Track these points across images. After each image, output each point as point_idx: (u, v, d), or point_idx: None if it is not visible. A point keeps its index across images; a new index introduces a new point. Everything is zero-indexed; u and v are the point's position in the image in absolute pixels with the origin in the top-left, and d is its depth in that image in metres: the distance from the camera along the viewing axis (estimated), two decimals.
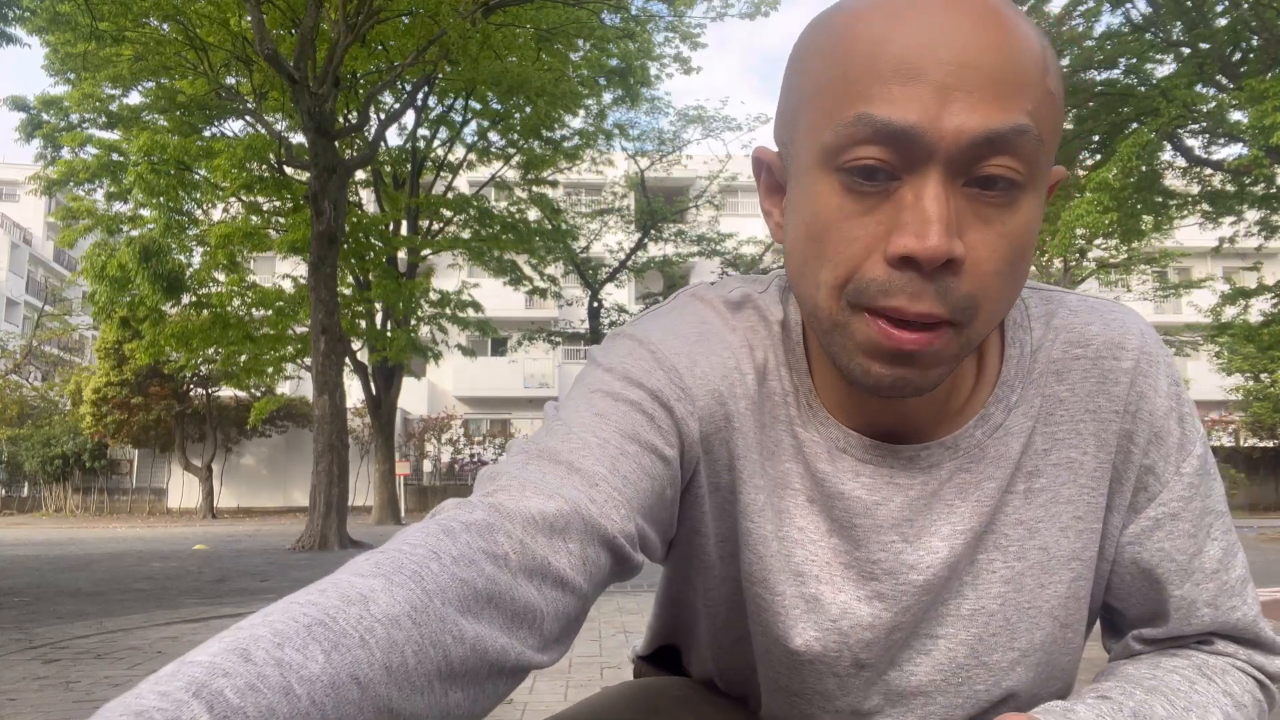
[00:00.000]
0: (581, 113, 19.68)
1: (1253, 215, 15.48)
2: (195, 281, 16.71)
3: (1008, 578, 0.66)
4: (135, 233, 16.01)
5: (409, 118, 18.38)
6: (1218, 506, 0.67)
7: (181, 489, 26.00)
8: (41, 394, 29.24)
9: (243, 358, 18.36)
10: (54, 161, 16.48)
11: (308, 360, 16.19)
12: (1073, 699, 0.62)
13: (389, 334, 18.29)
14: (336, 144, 12.66)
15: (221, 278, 17.36)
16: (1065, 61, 14.14)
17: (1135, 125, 13.36)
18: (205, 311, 17.07)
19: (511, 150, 20.04)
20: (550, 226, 21.09)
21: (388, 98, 17.16)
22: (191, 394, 24.30)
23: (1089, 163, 14.98)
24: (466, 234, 20.08)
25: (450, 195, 19.96)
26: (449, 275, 23.30)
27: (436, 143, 19.66)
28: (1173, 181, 15.60)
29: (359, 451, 22.75)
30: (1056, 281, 20.83)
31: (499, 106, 18.39)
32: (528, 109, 17.80)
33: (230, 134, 16.91)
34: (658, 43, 19.28)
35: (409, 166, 19.06)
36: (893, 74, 0.52)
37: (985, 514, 0.65)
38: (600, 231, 24.41)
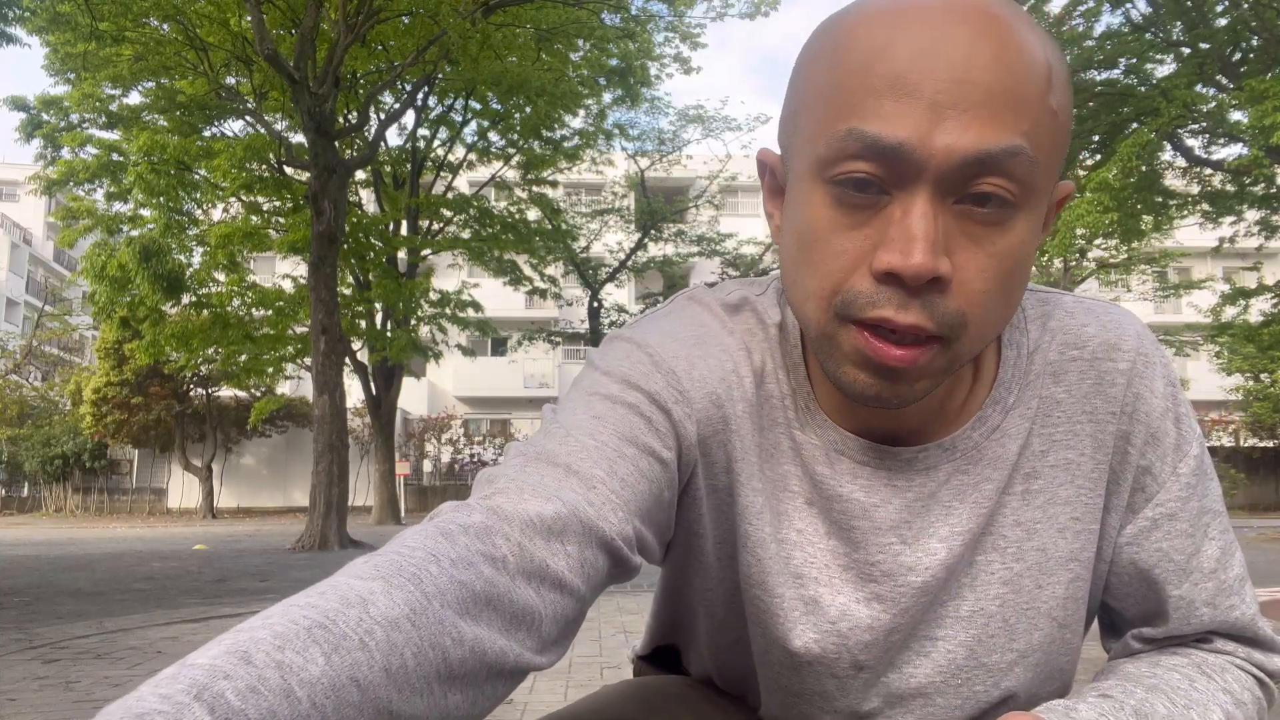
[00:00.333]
0: (581, 113, 19.68)
1: (1253, 215, 15.48)
2: (195, 281, 16.71)
3: (1006, 579, 0.66)
4: (135, 233, 16.02)
5: (409, 118, 18.41)
6: (1215, 506, 0.67)
7: (181, 489, 26.00)
8: (41, 394, 29.25)
9: (243, 358, 18.37)
10: (54, 161, 16.48)
11: (308, 360, 16.20)
12: (1074, 698, 0.62)
13: (389, 334, 18.30)
14: (336, 144, 12.66)
15: (221, 278, 17.37)
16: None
17: (1135, 125, 13.36)
18: (205, 311, 17.07)
19: (511, 150, 20.04)
20: (550, 226, 21.09)
21: (388, 98, 17.17)
22: (191, 394, 24.31)
23: (1089, 163, 14.98)
24: (466, 234, 20.09)
25: (450, 195, 19.96)
26: (449, 275, 23.30)
27: (436, 143, 19.67)
28: (1173, 181, 15.59)
29: (359, 451, 22.75)
30: (1056, 281, 20.84)
31: (499, 106, 18.39)
32: (528, 109, 17.80)
33: (230, 134, 16.92)
34: (658, 43, 19.28)
35: (409, 166, 19.06)
36: (886, 89, 0.52)
37: (983, 515, 0.65)
38: (600, 231, 24.41)
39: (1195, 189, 15.64)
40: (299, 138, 14.73)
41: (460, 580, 0.46)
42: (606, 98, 20.28)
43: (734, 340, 0.68)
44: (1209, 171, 15.10)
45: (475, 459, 25.25)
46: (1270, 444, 24.14)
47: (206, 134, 16.54)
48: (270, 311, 17.59)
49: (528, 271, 21.44)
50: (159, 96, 15.80)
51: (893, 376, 0.56)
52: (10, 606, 6.03)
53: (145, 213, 16.25)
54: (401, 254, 19.19)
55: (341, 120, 14.68)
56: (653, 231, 23.87)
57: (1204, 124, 13.52)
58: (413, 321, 19.28)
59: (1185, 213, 15.69)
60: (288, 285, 18.80)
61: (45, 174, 16.67)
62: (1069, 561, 0.66)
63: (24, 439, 26.19)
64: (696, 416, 0.65)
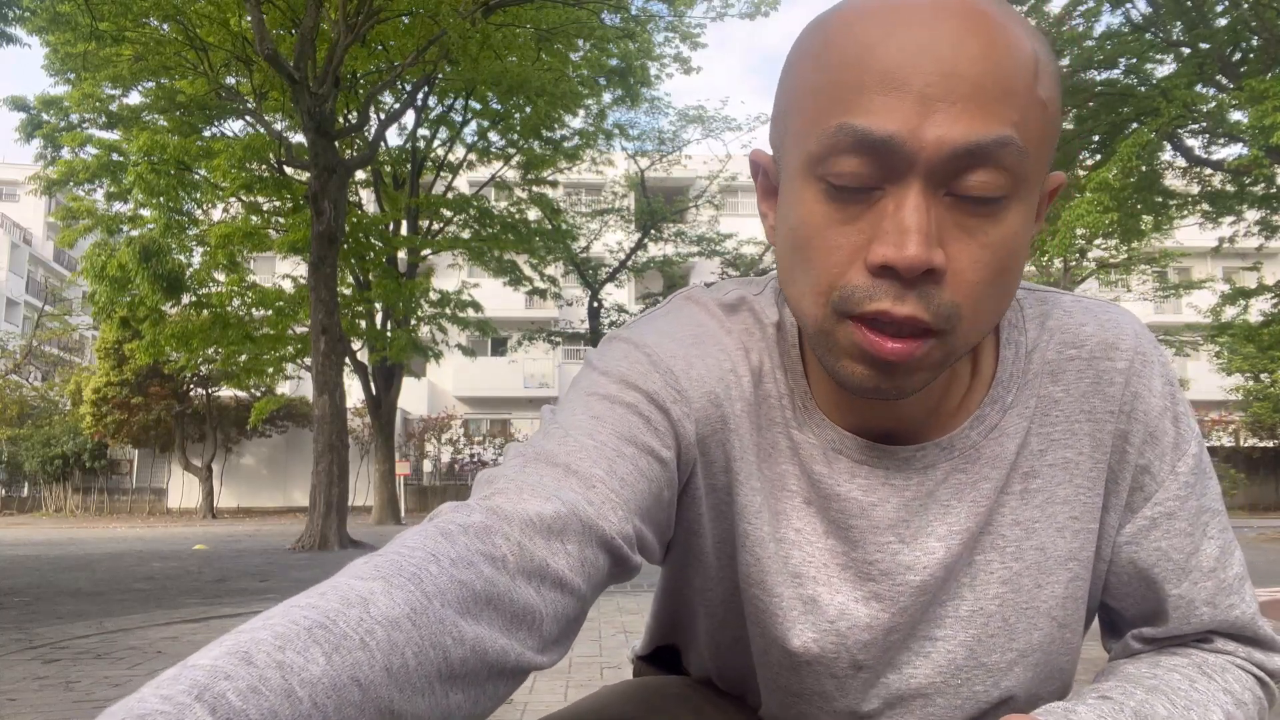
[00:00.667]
0: (581, 113, 19.68)
1: (1253, 215, 15.48)
2: (195, 281, 16.71)
3: (1005, 578, 0.66)
4: (135, 233, 16.02)
5: (409, 118, 18.41)
6: (1214, 505, 0.67)
7: (181, 489, 26.00)
8: (41, 394, 29.25)
9: (243, 358, 18.37)
10: (54, 161, 16.48)
11: (308, 360, 16.20)
12: (1074, 699, 0.62)
13: (389, 334, 18.30)
14: (336, 144, 12.66)
15: (221, 278, 17.37)
16: (1065, 61, 14.13)
17: (1135, 125, 13.36)
18: (205, 311, 17.07)
19: (511, 150, 20.04)
20: (550, 226, 21.08)
21: (388, 98, 17.17)
22: (191, 394, 24.31)
23: (1089, 163, 14.98)
24: (466, 234, 20.08)
25: (450, 195, 19.96)
26: (449, 275, 23.30)
27: (436, 143, 19.67)
28: (1173, 181, 15.59)
29: (359, 451, 22.75)
30: (1056, 281, 20.83)
31: (499, 106, 18.39)
32: (528, 109, 17.79)
33: (230, 134, 16.92)
34: (658, 43, 19.28)
35: (409, 166, 19.06)
36: (875, 84, 0.52)
37: (981, 514, 0.65)
38: (600, 231, 24.41)
39: (1195, 189, 15.64)
40: (299, 138, 14.74)
41: (460, 580, 0.46)
42: (606, 98, 20.28)
43: (732, 340, 0.68)
44: (1209, 171, 15.10)
45: (475, 459, 25.25)
46: (1270, 444, 24.13)
47: (206, 134, 16.54)
48: (270, 311, 17.59)
49: (528, 271, 21.44)
50: (159, 96, 15.80)
51: (890, 369, 0.56)
52: (10, 606, 6.03)
53: (145, 213, 16.24)
54: (401, 254, 19.19)
55: (341, 120, 14.68)
56: (653, 231, 23.87)
57: (1204, 124, 13.52)
58: (413, 321, 19.28)
59: (1185, 213, 15.69)
60: (288, 285, 18.80)
61: (45, 174, 16.67)
62: (1068, 561, 0.66)
63: (24, 439, 26.19)
64: (695, 416, 0.65)
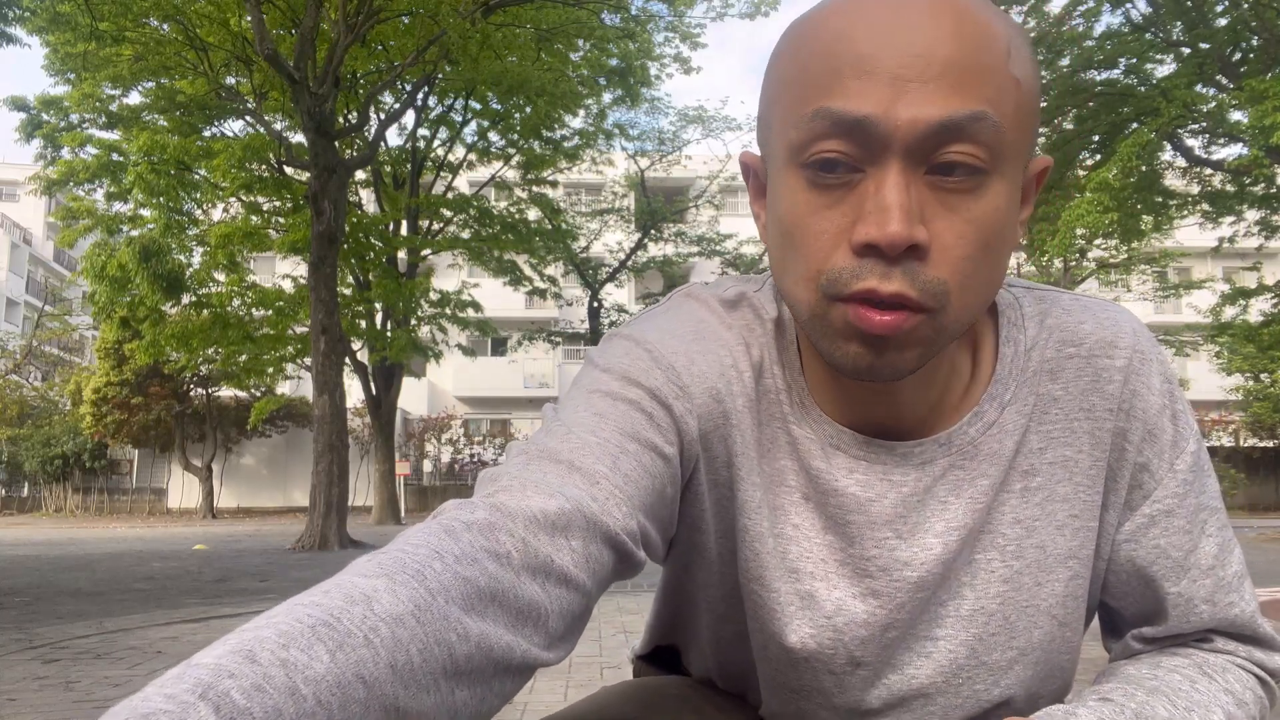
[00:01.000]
0: (581, 113, 19.67)
1: (1253, 215, 15.48)
2: (195, 281, 16.71)
3: (1006, 576, 0.66)
4: (135, 233, 16.02)
5: (409, 118, 18.40)
6: (1213, 503, 0.67)
7: (181, 489, 26.00)
8: (41, 394, 29.24)
9: (243, 358, 18.36)
10: (54, 161, 16.47)
11: (308, 360, 16.20)
12: (1074, 702, 0.62)
13: (389, 334, 18.29)
14: (336, 144, 12.66)
15: (221, 278, 17.36)
16: (1065, 61, 14.14)
17: (1135, 125, 13.35)
18: (205, 311, 17.06)
19: (511, 150, 20.04)
20: (550, 226, 21.08)
21: (388, 98, 17.16)
22: (191, 394, 24.30)
23: (1089, 163, 14.97)
24: (466, 234, 20.08)
25: (450, 195, 19.95)
26: (449, 275, 23.30)
27: (436, 143, 19.66)
28: (1173, 181, 15.59)
29: (359, 451, 22.75)
30: (1056, 281, 20.83)
31: (499, 106, 18.39)
32: (528, 109, 17.79)
33: (230, 134, 16.91)
34: (658, 43, 19.27)
35: (409, 166, 19.05)
36: (850, 69, 0.54)
37: (979, 511, 0.65)
38: (600, 231, 24.41)
39: (1195, 189, 15.64)
40: (299, 138, 14.74)
41: (465, 576, 0.46)
42: (606, 98, 20.28)
43: (732, 335, 0.69)
44: (1209, 171, 15.09)
45: (475, 459, 25.24)
46: (1270, 444, 24.12)
47: (206, 134, 16.53)
48: (270, 311, 17.58)
49: (528, 271, 21.43)
50: (159, 96, 15.79)
51: (881, 345, 0.56)
52: (10, 606, 6.03)
53: (145, 213, 16.24)
54: (401, 254, 19.18)
55: (341, 120, 14.67)
56: (653, 231, 23.87)
57: (1204, 124, 13.51)
58: (413, 321, 19.27)
59: (1185, 213, 15.68)
60: (288, 285, 18.79)
61: (45, 174, 16.66)
62: (1068, 559, 0.66)
63: (24, 439, 26.18)
64: (697, 411, 0.65)
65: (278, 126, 15.35)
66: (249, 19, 11.73)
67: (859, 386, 0.64)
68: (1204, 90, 13.53)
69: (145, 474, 27.21)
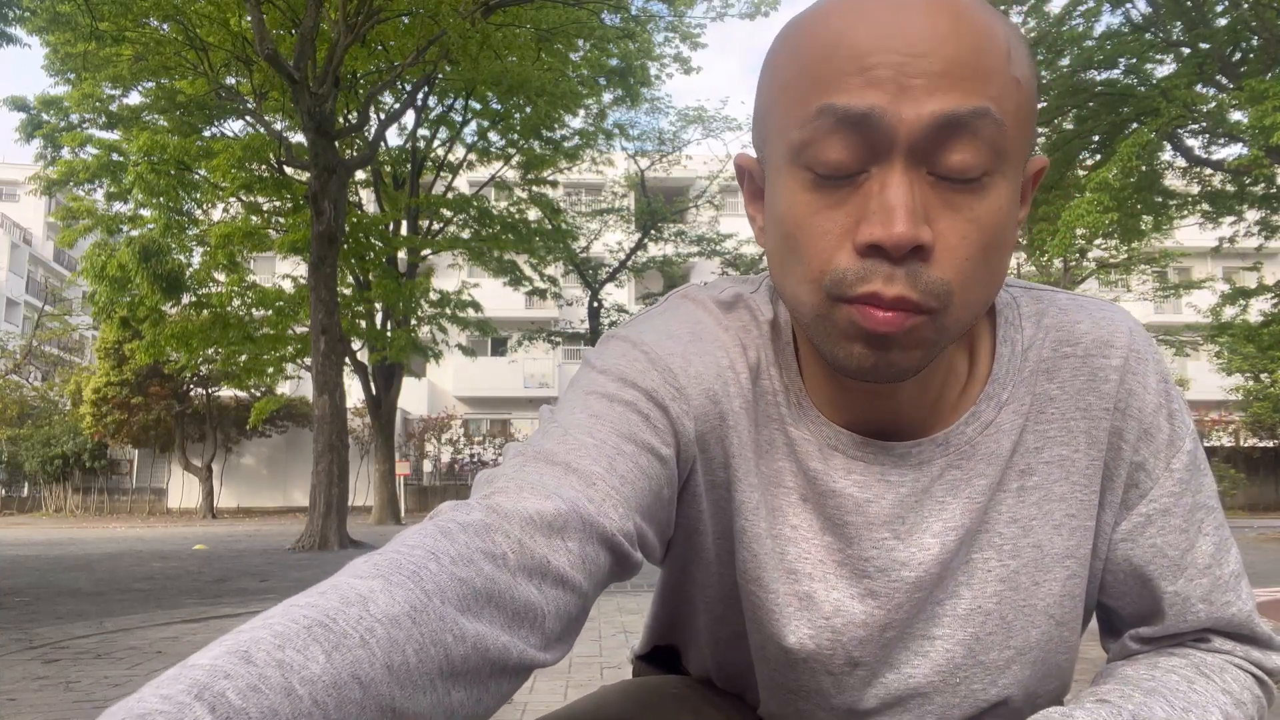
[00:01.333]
0: (581, 113, 19.68)
1: (1253, 215, 15.48)
2: (195, 281, 16.71)
3: (1003, 576, 0.66)
4: (135, 233, 16.03)
5: (409, 118, 18.42)
6: (1209, 502, 0.67)
7: (181, 489, 26.00)
8: (41, 394, 29.24)
9: (243, 358, 18.37)
10: (54, 161, 16.48)
11: (308, 360, 16.19)
12: (1071, 704, 0.62)
13: (389, 334, 18.29)
14: (336, 144, 12.66)
15: (221, 278, 17.36)
16: (1065, 61, 14.14)
17: (1135, 125, 13.35)
18: (205, 311, 17.07)
19: (511, 150, 20.05)
20: (550, 226, 21.09)
21: (388, 98, 17.17)
22: (191, 394, 24.31)
23: (1089, 163, 14.97)
24: (466, 234, 20.09)
25: (450, 195, 19.96)
26: (449, 275, 23.30)
27: (436, 143, 19.67)
28: (1173, 181, 15.59)
29: (359, 451, 22.75)
30: (1057, 281, 20.83)
31: (499, 106, 18.39)
32: (528, 109, 17.80)
33: (230, 134, 16.91)
34: (658, 43, 19.28)
35: (409, 166, 19.06)
36: (852, 66, 0.53)
37: (977, 511, 0.65)
38: (600, 231, 24.42)
39: (1195, 189, 15.64)
40: (299, 138, 14.74)
41: (460, 577, 0.46)
42: (606, 98, 20.29)
43: (729, 336, 0.68)
44: (1209, 171, 15.10)
45: (475, 459, 25.24)
46: (1270, 444, 24.11)
47: (206, 134, 16.54)
48: (270, 311, 17.59)
49: (528, 271, 21.44)
50: (159, 96, 15.80)
51: (885, 345, 0.56)
52: (10, 606, 6.03)
53: (145, 213, 16.25)
54: (401, 254, 19.19)
55: (341, 120, 14.67)
56: (653, 231, 23.88)
57: (1204, 124, 13.51)
58: (413, 321, 19.28)
59: (1185, 213, 15.69)
60: (288, 285, 18.80)
61: (45, 174, 16.67)
62: (1065, 559, 0.66)
63: (24, 439, 26.18)
64: (694, 413, 0.65)
65: (278, 126, 15.35)
66: (249, 19, 11.73)
67: (857, 387, 0.64)
68: (1204, 90, 13.53)
69: (145, 474, 27.22)
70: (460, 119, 19.20)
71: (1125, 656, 0.71)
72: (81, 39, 13.26)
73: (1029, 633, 0.67)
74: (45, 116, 16.03)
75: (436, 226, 20.14)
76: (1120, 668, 0.68)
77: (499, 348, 29.08)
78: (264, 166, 16.17)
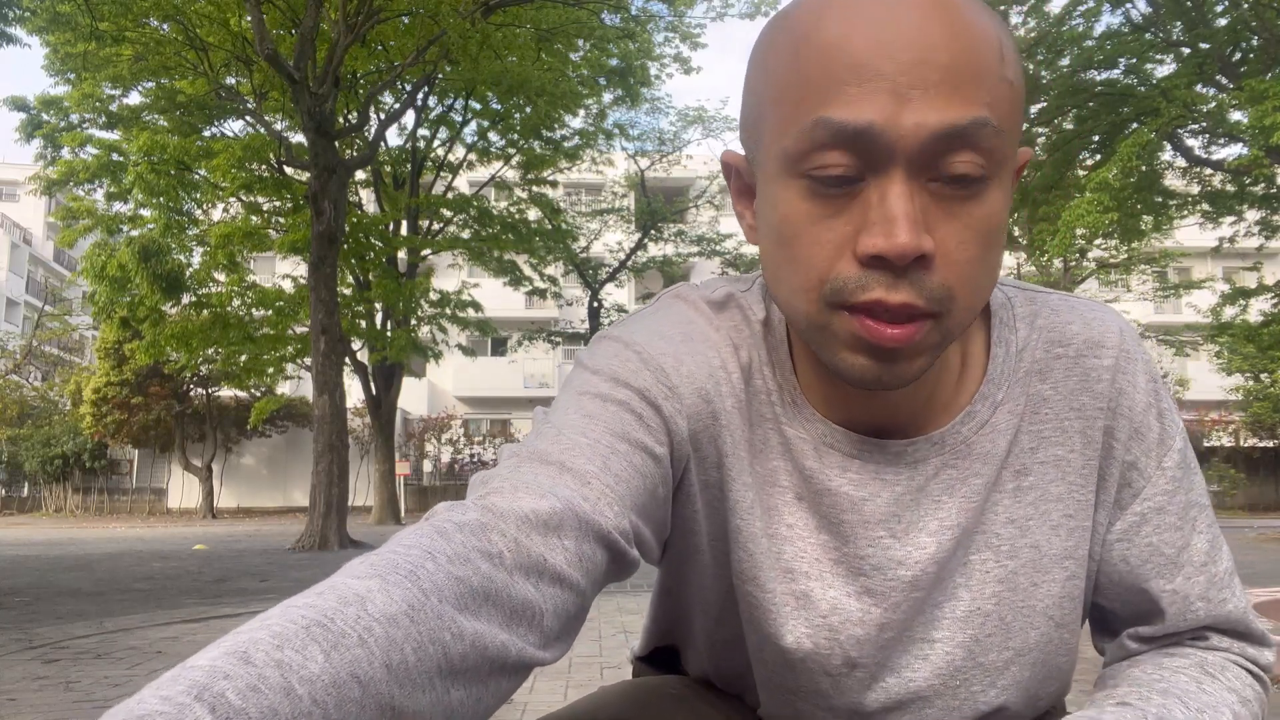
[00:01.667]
0: (581, 113, 19.68)
1: (1253, 215, 15.49)
2: (195, 281, 16.71)
3: (1001, 577, 0.66)
4: (135, 233, 16.03)
5: (409, 118, 18.41)
6: (1200, 500, 0.67)
7: (181, 489, 26.00)
8: (41, 394, 29.24)
9: (243, 358, 18.37)
10: (54, 161, 16.48)
11: (308, 360, 16.19)
12: (1092, 709, 0.62)
13: (389, 334, 18.29)
14: (336, 144, 12.66)
15: (221, 278, 17.37)
16: (1065, 61, 14.14)
17: (1135, 125, 13.36)
18: (205, 311, 17.07)
19: (511, 150, 20.05)
20: (550, 226, 21.09)
21: (388, 98, 17.17)
22: (191, 394, 24.31)
23: (1089, 163, 14.98)
24: (466, 234, 20.09)
25: (450, 195, 19.96)
26: (449, 275, 23.30)
27: (436, 143, 19.67)
28: (1173, 181, 15.60)
29: (359, 451, 22.74)
30: (1057, 281, 20.83)
31: (499, 106, 18.40)
32: (528, 109, 17.80)
33: (230, 134, 16.92)
34: (658, 43, 19.29)
35: (409, 166, 19.06)
36: (849, 76, 0.53)
37: (973, 510, 0.65)
38: (600, 231, 24.41)
39: (1195, 189, 15.65)
40: (299, 138, 14.74)
41: (457, 576, 0.46)
42: (606, 98, 20.29)
43: (721, 336, 0.68)
44: (1209, 171, 15.11)
45: (475, 459, 25.25)
46: (1270, 444, 24.10)
47: (206, 134, 16.54)
48: (270, 311, 17.59)
49: (528, 271, 21.44)
50: (159, 96, 15.80)
51: (890, 356, 0.56)
52: (10, 606, 6.04)
53: (145, 213, 16.25)
54: (401, 254, 19.19)
55: (341, 120, 14.67)
56: (653, 231, 23.88)
57: (1204, 124, 13.52)
58: (413, 321, 19.28)
59: (1185, 213, 15.70)
60: (288, 285, 18.80)
61: (45, 174, 16.67)
62: (1063, 559, 0.66)
63: (24, 439, 26.18)
64: (687, 412, 0.65)
65: (278, 126, 15.35)
66: (249, 19, 11.73)
67: (855, 388, 0.64)
68: (1204, 90, 13.54)
69: (145, 474, 27.22)
70: (460, 119, 19.20)
71: (1124, 656, 0.70)
72: (81, 39, 13.26)
73: (1028, 634, 0.67)
74: (45, 116, 16.03)
75: (436, 226, 20.14)
76: (1127, 669, 0.68)
77: (499, 348, 29.08)
78: (264, 166, 16.18)
